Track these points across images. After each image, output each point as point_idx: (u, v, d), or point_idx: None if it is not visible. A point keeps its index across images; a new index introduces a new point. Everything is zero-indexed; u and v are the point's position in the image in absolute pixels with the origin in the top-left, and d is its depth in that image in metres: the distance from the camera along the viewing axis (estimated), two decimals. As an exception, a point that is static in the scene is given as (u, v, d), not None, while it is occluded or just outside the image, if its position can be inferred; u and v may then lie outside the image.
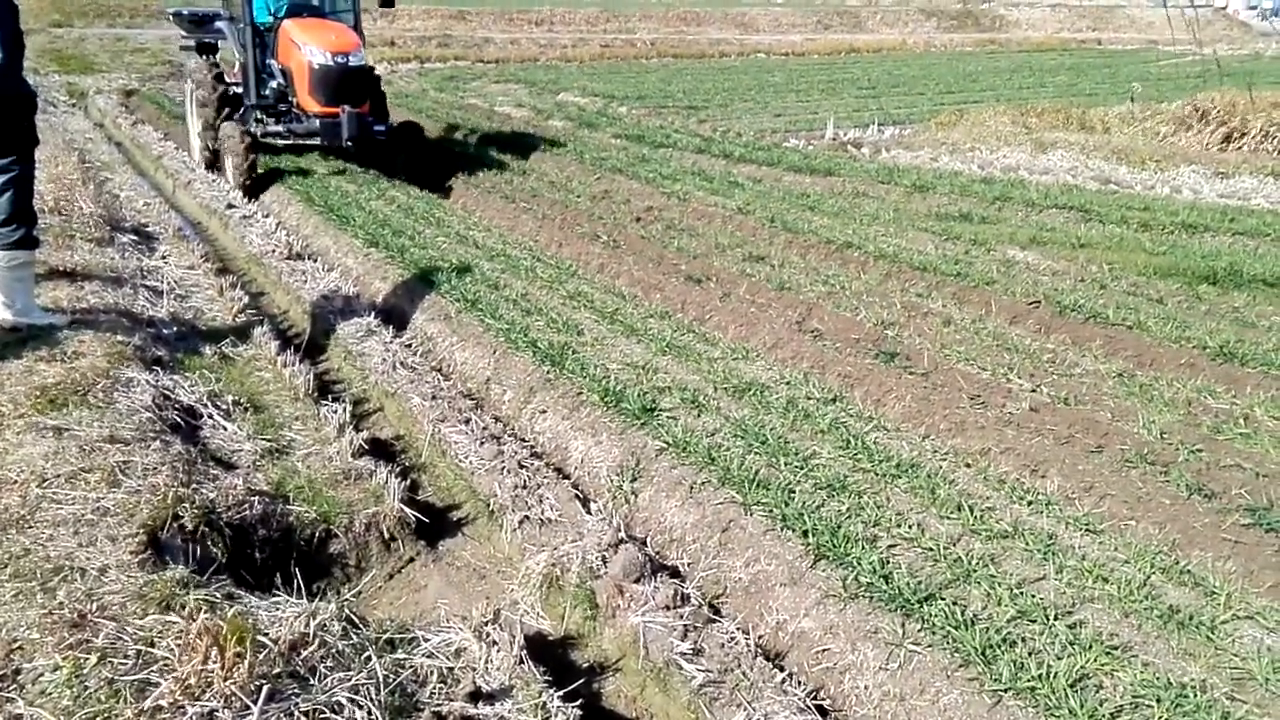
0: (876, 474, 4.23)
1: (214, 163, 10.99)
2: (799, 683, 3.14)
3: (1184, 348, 5.70)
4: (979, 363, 5.57)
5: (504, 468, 4.42)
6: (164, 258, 7.60)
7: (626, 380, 5.19)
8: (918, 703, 2.99)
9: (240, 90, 11.19)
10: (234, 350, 5.77)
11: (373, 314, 6.46)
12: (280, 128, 10.64)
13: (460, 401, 5.24)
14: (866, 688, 3.12)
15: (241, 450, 4.48)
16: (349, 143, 10.02)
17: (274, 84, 10.75)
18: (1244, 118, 13.95)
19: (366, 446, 4.67)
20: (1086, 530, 3.85)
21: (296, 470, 4.36)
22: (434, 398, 5.21)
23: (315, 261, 7.73)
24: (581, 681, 3.27)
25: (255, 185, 10.14)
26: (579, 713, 2.88)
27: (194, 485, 3.83)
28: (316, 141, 10.73)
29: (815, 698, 3.10)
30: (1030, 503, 4.05)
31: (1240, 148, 13.67)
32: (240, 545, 3.73)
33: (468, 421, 4.93)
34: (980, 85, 24.05)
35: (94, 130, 14.56)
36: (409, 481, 4.52)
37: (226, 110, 10.81)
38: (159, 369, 5.06)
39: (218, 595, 3.10)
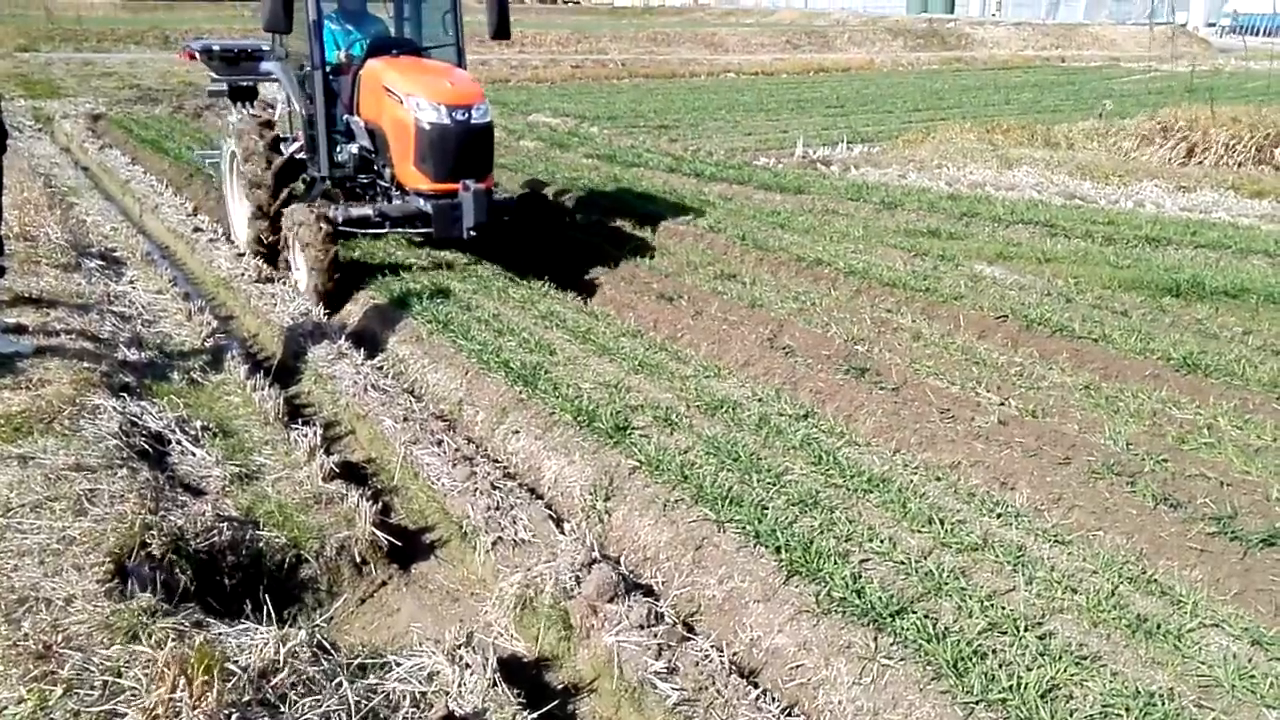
0: (848, 489, 4.25)
1: (271, 255, 8.19)
2: (773, 699, 3.14)
3: (1149, 359, 5.78)
4: (948, 377, 5.62)
5: (477, 489, 4.41)
6: (131, 282, 7.54)
7: (599, 399, 5.20)
8: (891, 716, 3.01)
9: (300, 153, 8.35)
10: (203, 375, 5.73)
11: (344, 337, 6.43)
12: (368, 210, 7.53)
13: (432, 423, 5.22)
14: (840, 703, 3.13)
15: (210, 476, 4.45)
16: (472, 231, 7.08)
17: (352, 149, 7.88)
18: (1205, 132, 14.21)
19: (338, 470, 4.65)
20: (1055, 541, 3.89)
21: (266, 495, 4.33)
22: (406, 420, 5.18)
23: (284, 284, 7.69)
24: (556, 703, 3.26)
25: (338, 290, 7.35)
26: (553, 734, 2.87)
27: (162, 512, 3.79)
28: (418, 228, 7.56)
29: (790, 714, 3.11)
30: (1000, 515, 4.09)
31: (1201, 162, 13.91)
32: (209, 572, 3.70)
33: (440, 443, 4.92)
34: (947, 103, 24.33)
35: (60, 155, 14.42)
36: (381, 505, 4.49)
37: (287, 184, 8.05)
38: (126, 395, 5.02)
39: (186, 623, 3.07)
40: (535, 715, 2.95)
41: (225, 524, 3.89)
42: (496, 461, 4.97)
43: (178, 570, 3.56)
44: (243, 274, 7.86)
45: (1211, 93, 17.01)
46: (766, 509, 4.05)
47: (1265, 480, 4.29)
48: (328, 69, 7.69)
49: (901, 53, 42.48)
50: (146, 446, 4.55)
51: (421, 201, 7.24)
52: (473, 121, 7.05)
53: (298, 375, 6.19)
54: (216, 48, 9.26)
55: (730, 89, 28.05)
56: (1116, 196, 11.74)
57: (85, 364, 5.21)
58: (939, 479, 4.45)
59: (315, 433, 4.93)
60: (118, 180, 12.28)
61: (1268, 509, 4.09)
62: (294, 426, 5.08)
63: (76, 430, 4.41)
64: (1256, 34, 46.74)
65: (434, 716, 2.87)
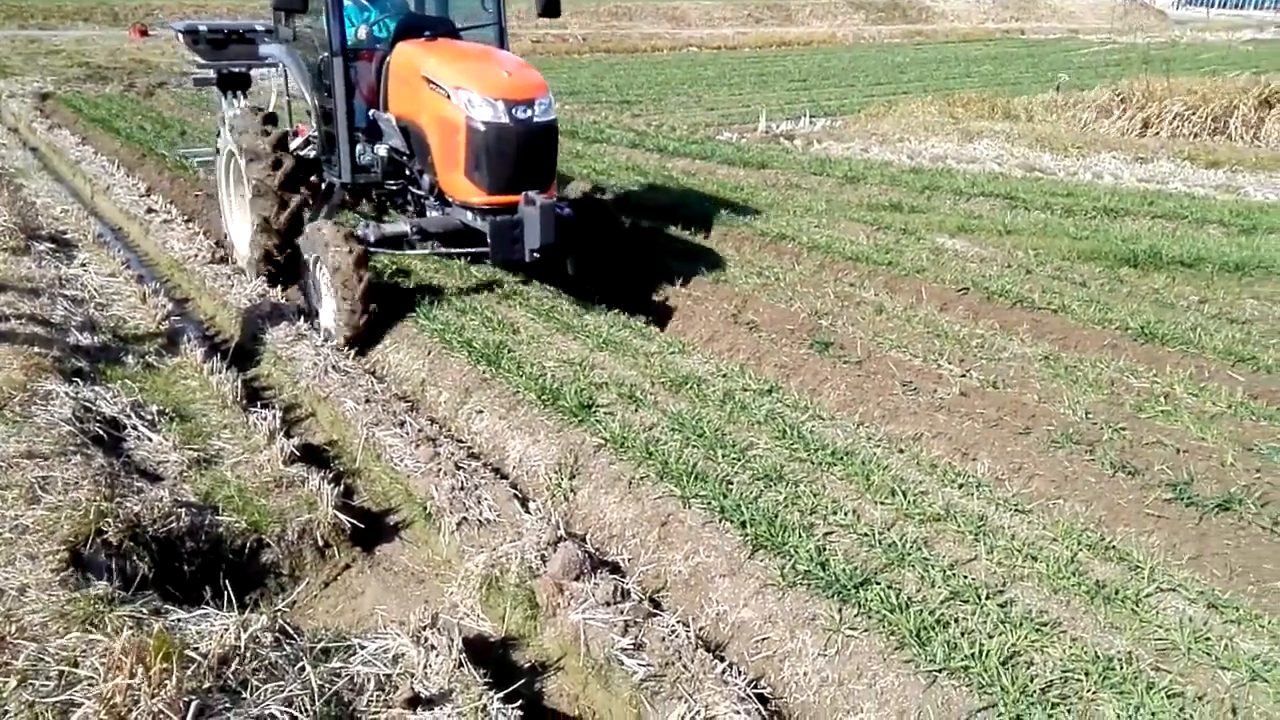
0: (812, 463, 4.26)
1: (281, 276, 6.94)
2: (740, 672, 3.15)
3: (1107, 329, 5.85)
4: (910, 350, 5.65)
5: (441, 470, 4.37)
6: (83, 265, 7.37)
7: (563, 377, 5.17)
8: (855, 686, 3.03)
9: (304, 151, 7.31)
10: (158, 359, 5.62)
11: (302, 318, 6.33)
12: (404, 226, 6.44)
13: (395, 404, 5.17)
14: (806, 674, 3.16)
15: (168, 461, 4.37)
16: (536, 253, 5.86)
17: (380, 150, 6.72)
18: (1161, 104, 14.38)
19: (298, 453, 4.59)
20: (1016, 510, 3.93)
21: (225, 480, 4.26)
22: (367, 401, 5.13)
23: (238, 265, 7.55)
24: (523, 682, 3.25)
25: (373, 327, 6.09)
26: (520, 714, 2.86)
27: (118, 499, 3.72)
28: (464, 247, 6.49)
29: (756, 686, 3.12)
30: (961, 485, 4.13)
31: (1158, 133, 14.08)
32: (167, 559, 3.64)
33: (403, 424, 4.87)
34: (908, 76, 24.42)
35: (7, 135, 14.07)
36: (343, 487, 4.44)
37: (297, 190, 6.81)
38: (79, 380, 4.91)
39: (144, 611, 3.02)
40: (502, 695, 2.94)
41: (183, 509, 3.83)
42: (460, 442, 4.93)
43: (135, 557, 3.50)
44: (197, 255, 7.71)
45: (1168, 64, 17.19)
46: (731, 484, 4.05)
47: (1220, 446, 4.37)
48: (350, 53, 6.48)
49: (863, 26, 42.51)
50: (101, 432, 4.46)
51: (470, 215, 6.12)
52: (535, 120, 5.85)
53: (256, 358, 6.09)
54: (203, 28, 8.04)
55: (692, 63, 27.94)
56: (1075, 168, 11.86)
57: (36, 349, 5.09)
58: (902, 451, 4.48)
59: (275, 416, 4.86)
60: (68, 161, 12.00)
61: (1222, 474, 4.17)
62: (253, 410, 5.00)
63: (28, 417, 4.31)
64: (1213, 5, 47.24)
65: (399, 699, 2.85)
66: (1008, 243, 8.04)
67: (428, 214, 6.59)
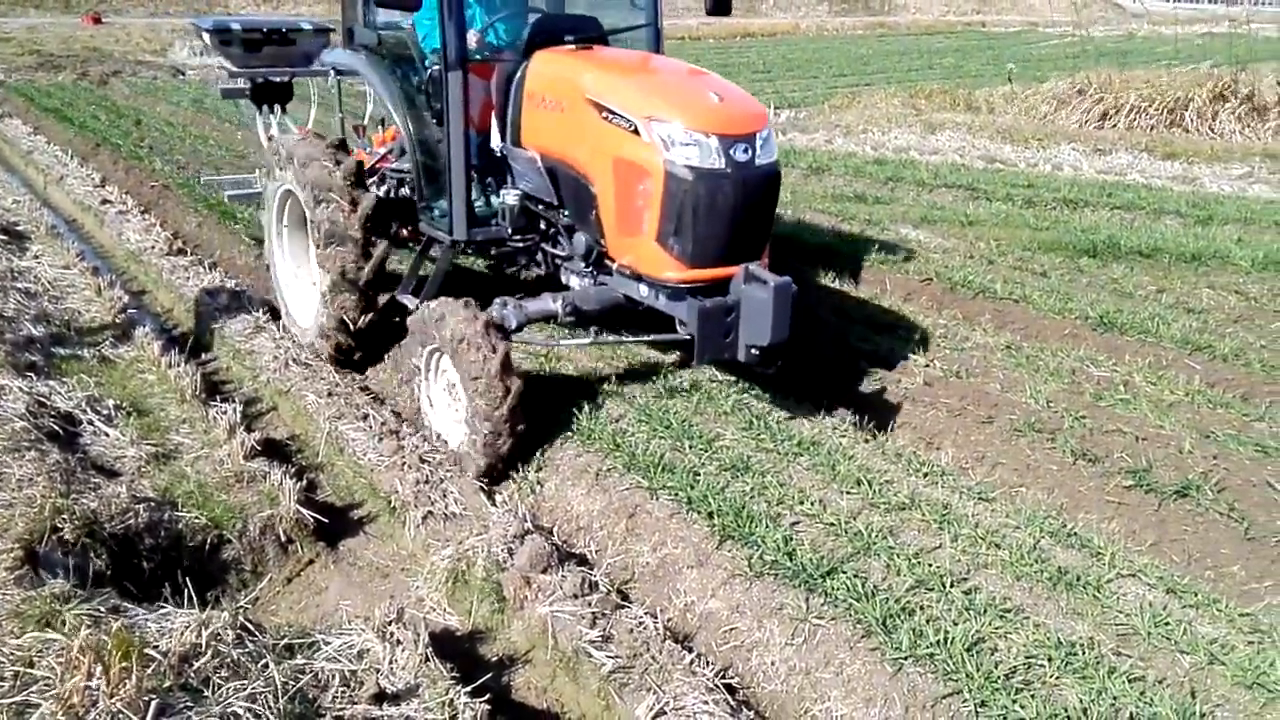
0: (779, 453, 4.27)
1: (358, 352, 5.54)
2: (708, 663, 3.16)
3: (1067, 319, 5.92)
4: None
5: (405, 463, 4.34)
6: (37, 258, 7.21)
7: (529, 368, 5.13)
8: (823, 675, 3.05)
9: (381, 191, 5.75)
10: (114, 352, 5.53)
11: (262, 309, 6.23)
12: (555, 305, 4.70)
13: (358, 397, 5.11)
14: (773, 663, 3.17)
15: (125, 456, 4.30)
16: (756, 353, 4.19)
17: (509, 198, 4.91)
18: (1118, 96, 14.55)
19: (259, 447, 4.52)
20: (979, 499, 3.97)
21: (185, 475, 4.20)
22: (330, 394, 5.07)
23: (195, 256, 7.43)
24: (490, 675, 3.23)
25: (521, 444, 4.38)
26: (488, 708, 2.85)
27: (74, 495, 3.66)
28: (639, 335, 4.90)
29: (724, 676, 3.12)
30: (926, 474, 4.16)
31: (1116, 125, 14.24)
32: (126, 555, 3.59)
33: (366, 418, 4.82)
34: (872, 68, 24.56)
35: (-44, 125, 13.74)
36: (306, 482, 4.39)
37: (383, 235, 5.37)
38: (33, 375, 4.82)
39: (101, 609, 2.96)
40: (469, 688, 2.92)
41: (142, 505, 3.77)
42: (425, 435, 4.89)
43: (92, 554, 3.44)
44: (153, 246, 7.58)
45: (1125, 57, 17.42)
46: (699, 475, 4.05)
47: (1178, 433, 4.44)
48: (467, 62, 4.73)
49: (827, 18, 42.71)
50: (56, 427, 4.37)
51: (646, 291, 4.46)
52: (758, 163, 4.22)
53: (214, 350, 5.99)
54: (236, 27, 6.62)
55: (657, 54, 27.84)
56: (1036, 159, 11.98)
57: (-13, 343, 4.98)
58: (867, 440, 4.51)
59: (235, 410, 4.79)
60: (19, 151, 11.75)
61: (1180, 461, 4.23)
62: (213, 404, 4.92)
63: (-21, 413, 4.22)
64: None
65: (365, 694, 2.82)
66: (970, 233, 8.10)
67: (570, 282, 4.96)
